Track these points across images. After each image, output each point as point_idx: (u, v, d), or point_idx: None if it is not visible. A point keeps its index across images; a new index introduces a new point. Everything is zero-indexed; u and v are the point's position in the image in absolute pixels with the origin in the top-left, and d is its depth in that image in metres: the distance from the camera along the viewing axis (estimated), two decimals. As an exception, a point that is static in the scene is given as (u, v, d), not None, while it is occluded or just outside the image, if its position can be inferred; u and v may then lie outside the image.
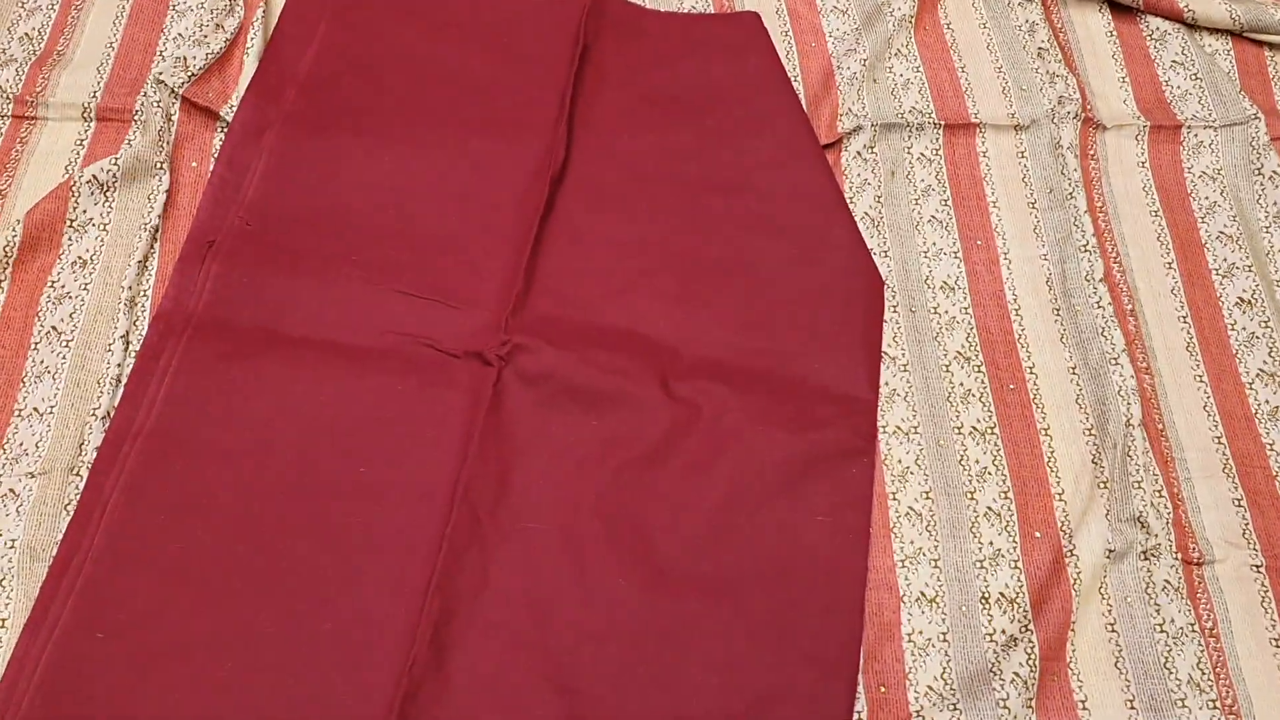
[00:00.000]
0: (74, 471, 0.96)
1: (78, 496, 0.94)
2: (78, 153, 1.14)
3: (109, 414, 0.99)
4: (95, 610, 0.89)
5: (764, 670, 0.91)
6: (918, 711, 0.91)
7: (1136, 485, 1.00)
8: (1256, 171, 1.20)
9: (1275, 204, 1.17)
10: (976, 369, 1.08)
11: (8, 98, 1.15)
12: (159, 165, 1.12)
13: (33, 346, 1.02)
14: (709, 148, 1.18)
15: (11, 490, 0.95)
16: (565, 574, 0.95)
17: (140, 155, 1.11)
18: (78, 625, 0.89)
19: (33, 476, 0.96)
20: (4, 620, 0.90)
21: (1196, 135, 1.23)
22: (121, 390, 1.00)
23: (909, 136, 1.22)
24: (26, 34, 1.22)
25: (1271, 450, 1.05)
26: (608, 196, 1.14)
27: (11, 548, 0.92)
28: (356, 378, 1.02)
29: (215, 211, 1.10)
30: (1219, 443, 1.05)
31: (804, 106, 1.22)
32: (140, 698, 0.87)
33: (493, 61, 1.23)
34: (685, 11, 1.31)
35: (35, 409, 0.99)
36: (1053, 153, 1.20)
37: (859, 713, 0.91)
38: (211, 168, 1.13)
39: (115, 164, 1.09)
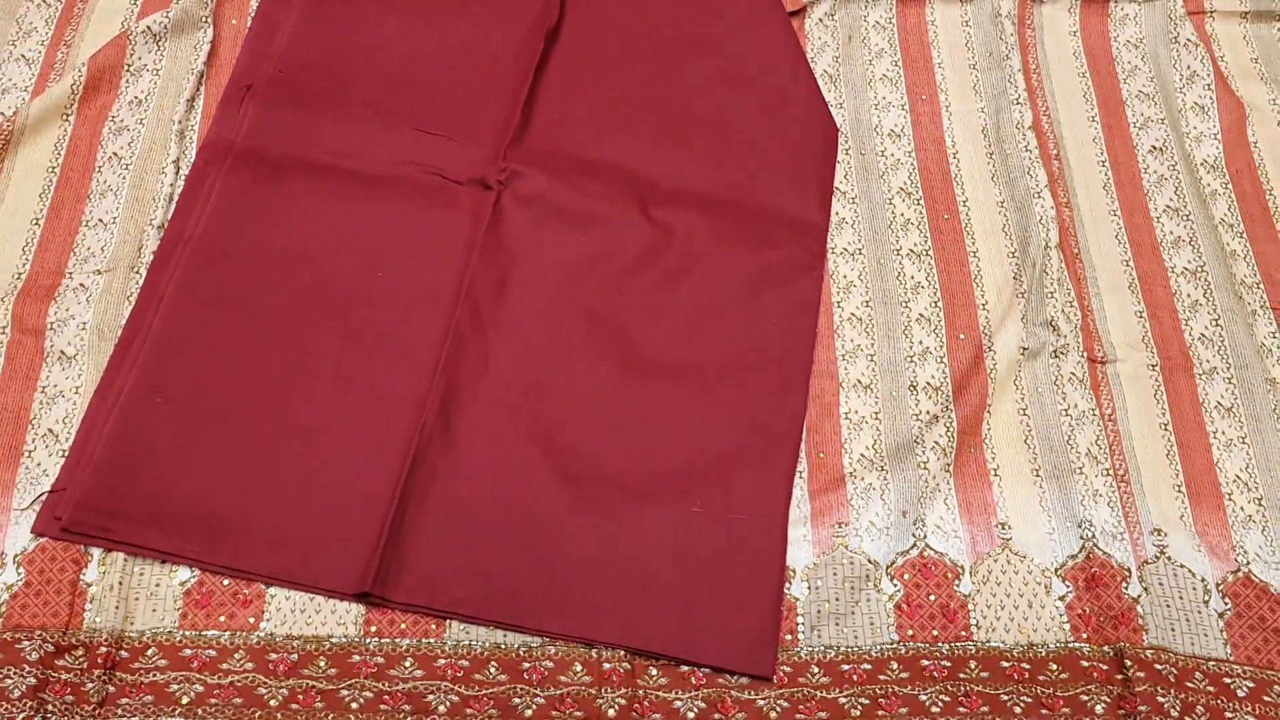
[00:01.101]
0: (134, 270, 1.12)
1: (137, 290, 1.11)
2: (132, 10, 1.30)
3: (163, 224, 1.15)
4: (153, 380, 1.06)
5: (723, 437, 1.07)
6: (851, 473, 1.07)
7: (1050, 296, 1.16)
8: (1174, 40, 1.34)
9: (1189, 67, 1.32)
10: (916, 202, 1.23)
11: (70, -38, 1.31)
12: (204, 20, 1.28)
13: (97, 169, 1.18)
14: (687, 10, 1.34)
15: (82, 284, 1.11)
16: (554, 362, 1.11)
17: (188, 10, 1.27)
18: (139, 392, 1.05)
19: (99, 273, 1.12)
20: (77, 388, 1.06)
21: (1123, 9, 1.38)
22: (174, 206, 1.16)
23: (866, 6, 1.37)
24: (85, -91, 1.38)
25: (1172, 272, 1.20)
26: (597, 51, 1.30)
27: (83, 329, 1.09)
28: (374, 199, 1.18)
29: (252, 61, 1.26)
30: (1127, 265, 1.20)
31: (772, -22, 1.38)
32: (192, 451, 1.03)
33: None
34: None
35: (100, 220, 1.15)
36: (993, 21, 1.35)
37: (801, 473, 1.07)
38: (249, 24, 1.30)
39: (166, 17, 1.26)
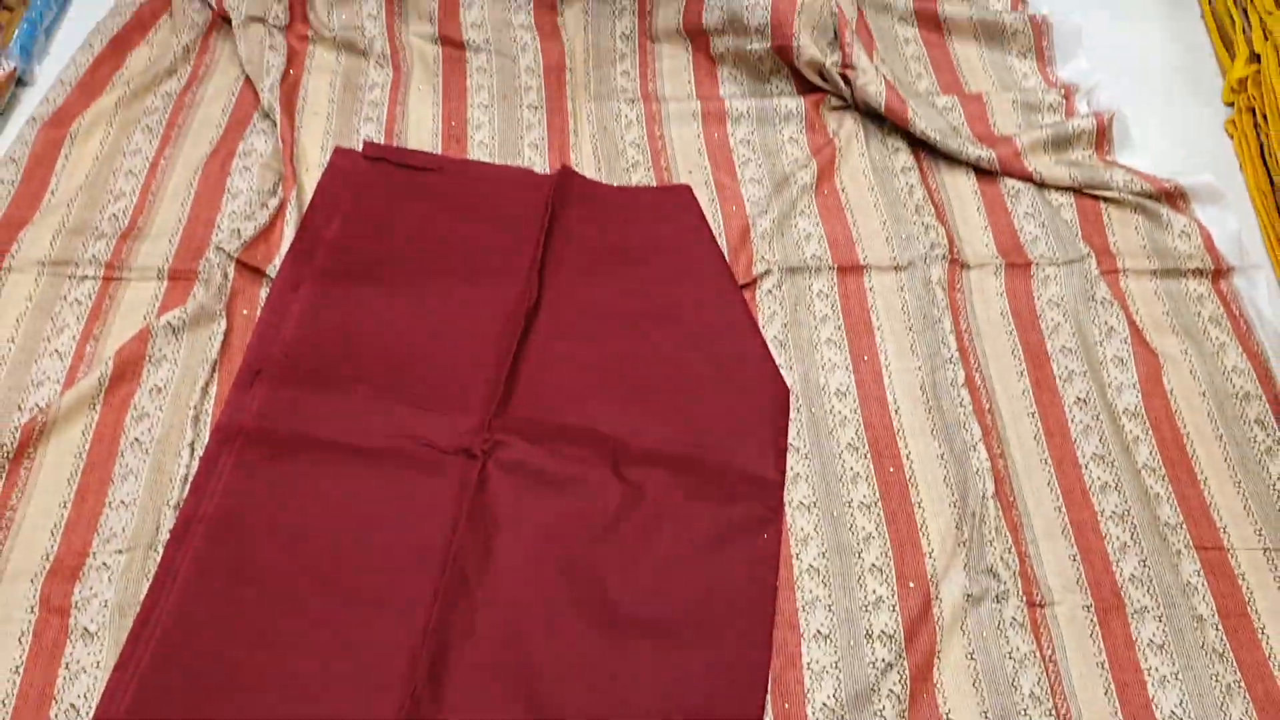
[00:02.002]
0: (151, 548, 1.23)
1: (155, 568, 1.21)
2: (154, 305, 1.45)
3: (179, 504, 1.26)
4: (169, 655, 1.15)
5: (693, 690, 1.16)
6: (813, 722, 1.16)
7: (990, 544, 1.26)
8: (1091, 298, 1.49)
9: (1106, 323, 1.46)
10: (863, 456, 1.35)
11: (100, 264, 1.47)
12: (218, 313, 1.43)
13: (120, 454, 1.31)
14: (651, 288, 1.49)
15: (104, 563, 1.22)
16: (537, 620, 1.20)
17: (203, 305, 1.42)
18: (156, 666, 1.14)
19: (120, 553, 1.23)
20: (98, 662, 1.15)
21: (1044, 271, 1.54)
22: (189, 486, 1.28)
23: (809, 277, 1.53)
24: (114, 215, 1.55)
25: (1101, 516, 1.31)
26: (571, 326, 1.45)
27: (105, 607, 1.19)
28: (370, 472, 1.30)
29: (261, 347, 1.40)
30: (1059, 511, 1.31)
31: (725, 256, 1.54)
32: (202, 721, 1.12)
33: (480, 226, 1.55)
34: (633, 185, 1.65)
35: (122, 501, 1.27)
36: (926, 287, 1.50)
37: (767, 723, 1.15)
38: (259, 314, 1.45)
39: (184, 313, 1.40)
